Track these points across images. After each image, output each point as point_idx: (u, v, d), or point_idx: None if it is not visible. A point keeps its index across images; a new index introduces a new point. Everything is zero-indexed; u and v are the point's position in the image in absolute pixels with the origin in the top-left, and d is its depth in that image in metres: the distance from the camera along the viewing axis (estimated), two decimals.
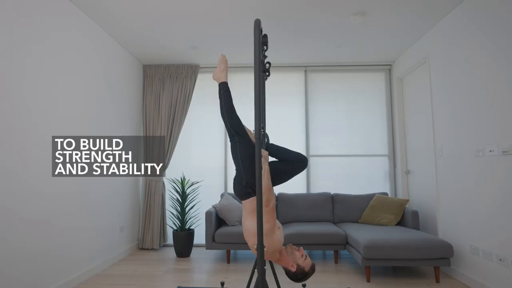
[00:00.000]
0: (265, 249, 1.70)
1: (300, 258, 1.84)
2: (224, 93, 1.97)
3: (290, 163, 1.96)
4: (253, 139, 2.00)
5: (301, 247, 1.91)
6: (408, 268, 3.23)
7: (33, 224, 2.28)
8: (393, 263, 2.80)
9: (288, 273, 1.87)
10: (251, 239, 1.78)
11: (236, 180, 1.91)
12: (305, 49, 3.88)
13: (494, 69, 2.45)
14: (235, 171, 1.94)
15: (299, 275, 1.83)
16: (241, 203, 2.27)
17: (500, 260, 2.37)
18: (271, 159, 1.99)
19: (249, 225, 1.79)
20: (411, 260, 2.79)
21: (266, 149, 2.01)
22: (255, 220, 1.75)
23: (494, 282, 2.44)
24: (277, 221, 1.88)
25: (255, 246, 1.68)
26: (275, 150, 2.02)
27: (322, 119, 4.38)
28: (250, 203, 1.83)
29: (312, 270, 1.86)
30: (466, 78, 2.77)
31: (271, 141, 2.15)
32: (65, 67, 2.68)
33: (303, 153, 4.29)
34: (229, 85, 2.01)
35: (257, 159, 1.61)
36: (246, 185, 1.84)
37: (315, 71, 4.43)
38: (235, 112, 1.98)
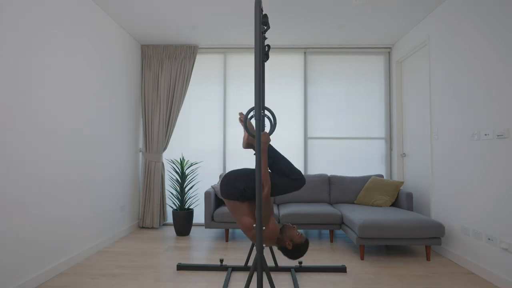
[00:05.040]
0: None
1: (295, 235, 1.92)
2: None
3: (288, 179, 1.92)
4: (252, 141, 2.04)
5: (295, 226, 1.99)
6: (401, 247, 3.35)
7: (38, 204, 2.32)
8: (386, 242, 2.90)
9: (285, 251, 1.95)
10: (252, 232, 1.85)
11: (232, 184, 1.91)
12: (305, 30, 3.84)
13: (493, 54, 2.45)
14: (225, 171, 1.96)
15: (295, 252, 1.92)
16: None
17: (489, 239, 2.47)
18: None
19: (248, 222, 1.84)
20: (404, 239, 2.89)
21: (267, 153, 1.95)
22: (251, 216, 1.85)
23: (481, 259, 2.56)
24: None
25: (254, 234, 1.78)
26: (276, 158, 1.96)
27: (321, 101, 4.39)
28: (244, 207, 1.88)
29: (306, 245, 1.93)
30: (465, 62, 2.77)
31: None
32: (59, 47, 2.65)
33: (301, 134, 4.34)
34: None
35: (256, 143, 1.62)
36: (244, 190, 1.88)
37: (315, 53, 4.39)
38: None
